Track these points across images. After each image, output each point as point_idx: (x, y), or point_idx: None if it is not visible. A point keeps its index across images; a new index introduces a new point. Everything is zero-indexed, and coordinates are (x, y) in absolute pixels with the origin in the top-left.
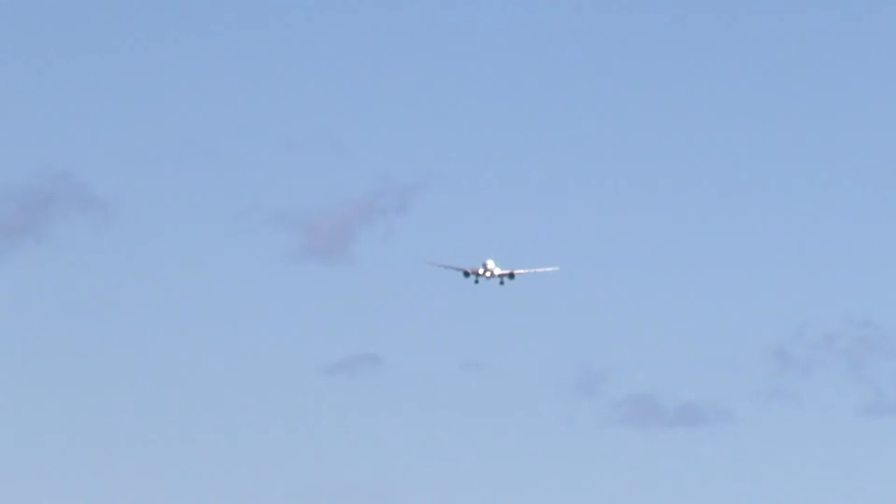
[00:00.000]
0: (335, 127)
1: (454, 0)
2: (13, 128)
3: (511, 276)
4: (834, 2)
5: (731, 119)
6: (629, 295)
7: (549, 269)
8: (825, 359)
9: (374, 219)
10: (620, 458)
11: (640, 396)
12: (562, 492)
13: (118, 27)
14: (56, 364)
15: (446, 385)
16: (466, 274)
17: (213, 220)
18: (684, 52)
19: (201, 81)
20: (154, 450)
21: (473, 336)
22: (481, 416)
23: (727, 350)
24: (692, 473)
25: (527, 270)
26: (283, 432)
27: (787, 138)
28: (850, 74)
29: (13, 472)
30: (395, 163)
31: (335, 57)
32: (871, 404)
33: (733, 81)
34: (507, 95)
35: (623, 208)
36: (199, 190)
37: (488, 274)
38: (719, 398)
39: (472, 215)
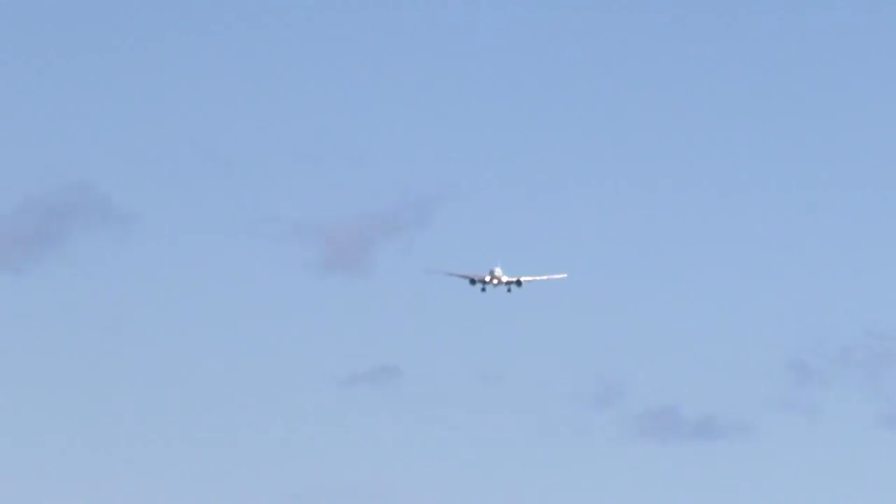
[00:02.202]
0: (354, 139)
1: (474, 15)
2: (33, 139)
3: (518, 283)
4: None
5: (748, 125)
6: (645, 306)
7: (558, 276)
8: (844, 371)
9: (393, 231)
10: (638, 470)
11: (658, 409)
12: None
13: (140, 40)
14: (76, 374)
15: (465, 396)
16: (473, 281)
17: (232, 233)
18: (694, 56)
19: (222, 93)
20: (173, 459)
21: (492, 347)
22: (500, 427)
23: (745, 362)
24: (710, 486)
25: (534, 278)
26: (301, 443)
27: (811, 148)
28: (868, 73)
29: (30, 481)
30: (414, 175)
31: (356, 70)
32: (891, 416)
33: (751, 83)
34: (520, 104)
35: (638, 216)
36: (218, 202)
37: (495, 281)
38: (737, 410)
39: (490, 225)
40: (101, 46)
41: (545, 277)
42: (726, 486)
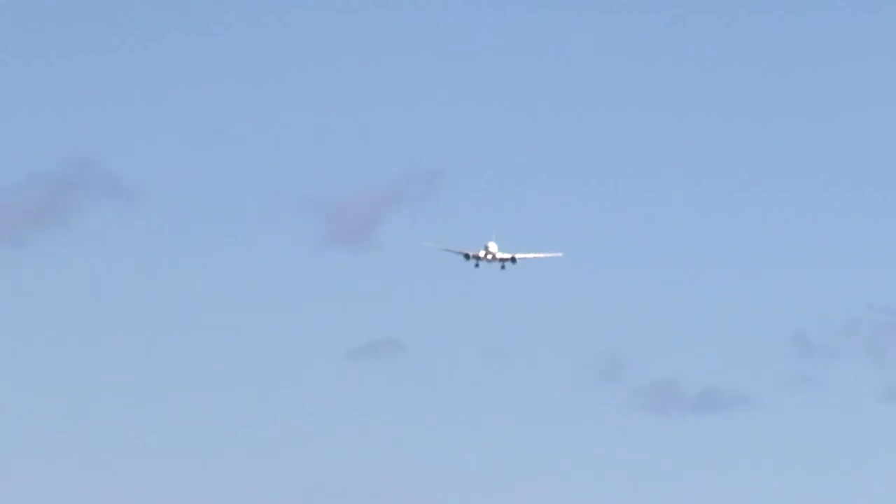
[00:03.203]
0: (361, 114)
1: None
2: (39, 115)
3: (513, 260)
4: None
5: (743, 104)
6: (648, 282)
7: (553, 254)
8: (847, 345)
9: (398, 205)
10: (641, 445)
11: (661, 383)
12: (580, 479)
13: (147, 16)
14: (83, 349)
15: (467, 371)
16: (467, 257)
17: (238, 207)
18: (685, 39)
19: (227, 69)
20: (175, 432)
21: (492, 323)
22: (501, 402)
23: (748, 336)
24: (714, 460)
25: (529, 255)
26: (306, 416)
27: (812, 121)
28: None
29: (33, 458)
30: (416, 151)
31: (361, 45)
32: (894, 390)
33: (744, 53)
34: (522, 84)
35: (641, 193)
36: (224, 176)
37: (490, 257)
38: (740, 384)
39: (488, 202)
40: (109, 22)
41: (540, 255)
42: (730, 460)
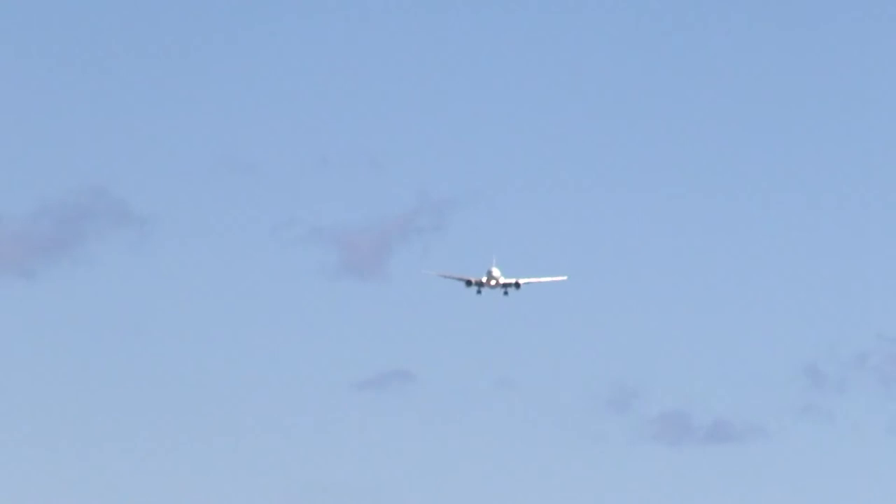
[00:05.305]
0: (371, 144)
1: (485, 27)
2: (50, 144)
3: (517, 285)
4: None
5: (755, 130)
6: (655, 307)
7: (558, 278)
8: (857, 376)
9: (409, 236)
10: (649, 474)
11: (671, 414)
12: None
13: (158, 44)
14: (92, 378)
15: (477, 401)
16: (469, 283)
17: (249, 237)
18: (698, 62)
19: (238, 98)
20: (187, 462)
21: (499, 350)
22: (512, 432)
23: (757, 367)
24: (724, 491)
25: (533, 280)
26: (312, 444)
27: (824, 154)
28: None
29: (43, 485)
30: (424, 179)
31: (372, 74)
32: None
33: (751, 87)
34: (525, 109)
35: (650, 221)
36: (235, 206)
37: (493, 283)
38: (749, 415)
39: (492, 227)
40: (119, 51)
41: (545, 279)
42: (738, 490)
